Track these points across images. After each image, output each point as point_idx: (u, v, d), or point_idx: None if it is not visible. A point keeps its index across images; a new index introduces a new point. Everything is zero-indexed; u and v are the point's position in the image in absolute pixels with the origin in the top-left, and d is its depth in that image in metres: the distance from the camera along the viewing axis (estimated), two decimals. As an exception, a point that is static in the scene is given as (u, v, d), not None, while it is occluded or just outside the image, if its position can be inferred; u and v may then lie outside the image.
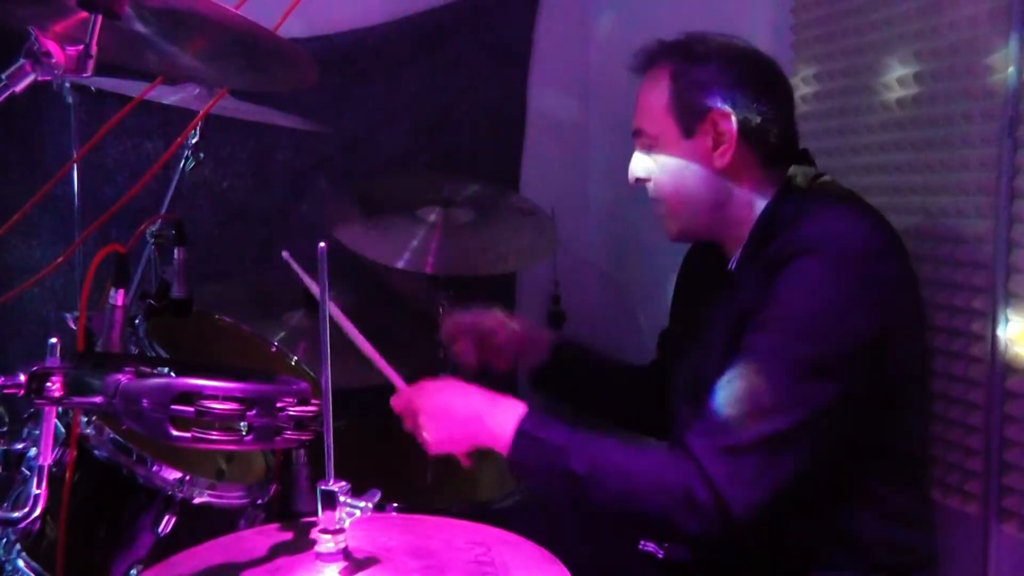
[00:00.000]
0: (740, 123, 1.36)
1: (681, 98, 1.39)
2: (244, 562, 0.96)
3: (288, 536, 1.04)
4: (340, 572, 0.92)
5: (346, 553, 0.93)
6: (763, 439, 1.18)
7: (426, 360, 2.09)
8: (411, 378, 1.45)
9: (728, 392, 1.23)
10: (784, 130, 1.42)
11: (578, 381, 1.74)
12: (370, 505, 0.93)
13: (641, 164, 1.46)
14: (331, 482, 0.92)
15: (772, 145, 1.40)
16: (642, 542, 1.49)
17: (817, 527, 1.31)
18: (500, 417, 1.30)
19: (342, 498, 0.92)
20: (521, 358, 1.71)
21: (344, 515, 0.92)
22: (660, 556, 1.47)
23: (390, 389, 1.45)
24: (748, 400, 1.20)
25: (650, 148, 1.44)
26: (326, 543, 0.93)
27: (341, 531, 0.93)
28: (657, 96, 1.41)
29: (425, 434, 1.34)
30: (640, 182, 1.47)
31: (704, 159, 1.39)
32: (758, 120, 1.37)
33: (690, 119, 1.39)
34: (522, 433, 1.27)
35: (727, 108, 1.36)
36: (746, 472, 1.17)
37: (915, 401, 1.35)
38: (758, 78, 1.40)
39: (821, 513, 1.30)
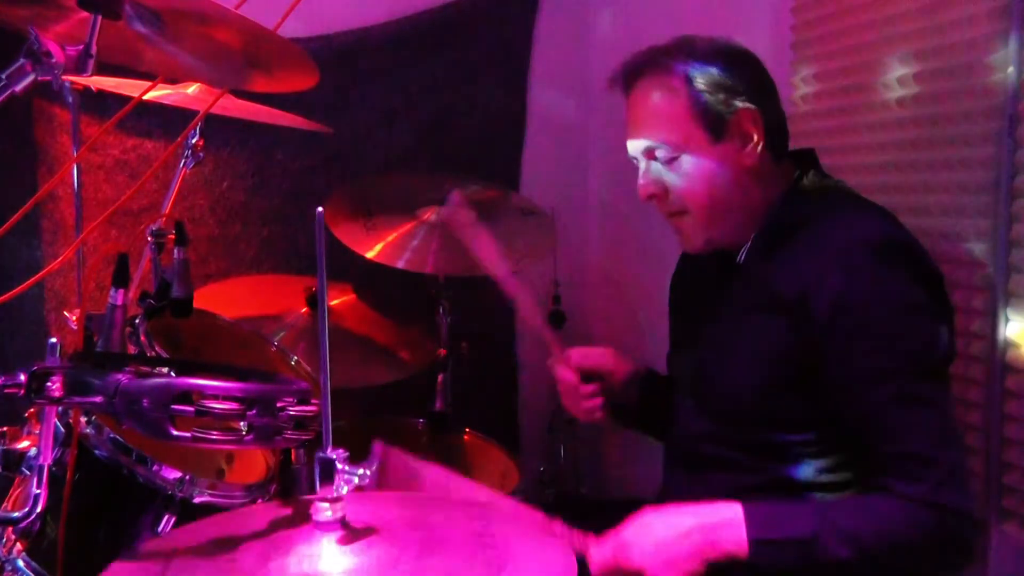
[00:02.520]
0: (764, 119, 1.35)
1: (704, 101, 1.33)
2: (243, 535, 0.95)
3: (287, 511, 1.03)
4: (337, 541, 0.91)
5: (343, 523, 0.93)
6: (946, 450, 1.23)
7: (427, 358, 2.10)
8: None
9: (891, 431, 1.23)
10: (783, 123, 1.42)
11: (657, 409, 1.60)
12: (367, 473, 0.91)
13: (656, 179, 1.38)
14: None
15: (780, 139, 1.41)
16: None
17: None
18: (723, 532, 1.22)
19: (339, 465, 0.91)
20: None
21: (342, 483, 0.91)
22: None
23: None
24: (919, 431, 1.23)
25: (671, 160, 1.35)
26: (323, 511, 0.92)
27: (339, 499, 0.92)
28: (671, 103, 1.35)
29: None
30: (653, 199, 1.40)
31: (733, 161, 1.35)
32: (772, 115, 1.38)
33: (718, 122, 1.33)
34: (758, 542, 1.20)
35: (752, 106, 1.34)
36: (958, 480, 1.22)
37: None
38: (759, 73, 1.39)
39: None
